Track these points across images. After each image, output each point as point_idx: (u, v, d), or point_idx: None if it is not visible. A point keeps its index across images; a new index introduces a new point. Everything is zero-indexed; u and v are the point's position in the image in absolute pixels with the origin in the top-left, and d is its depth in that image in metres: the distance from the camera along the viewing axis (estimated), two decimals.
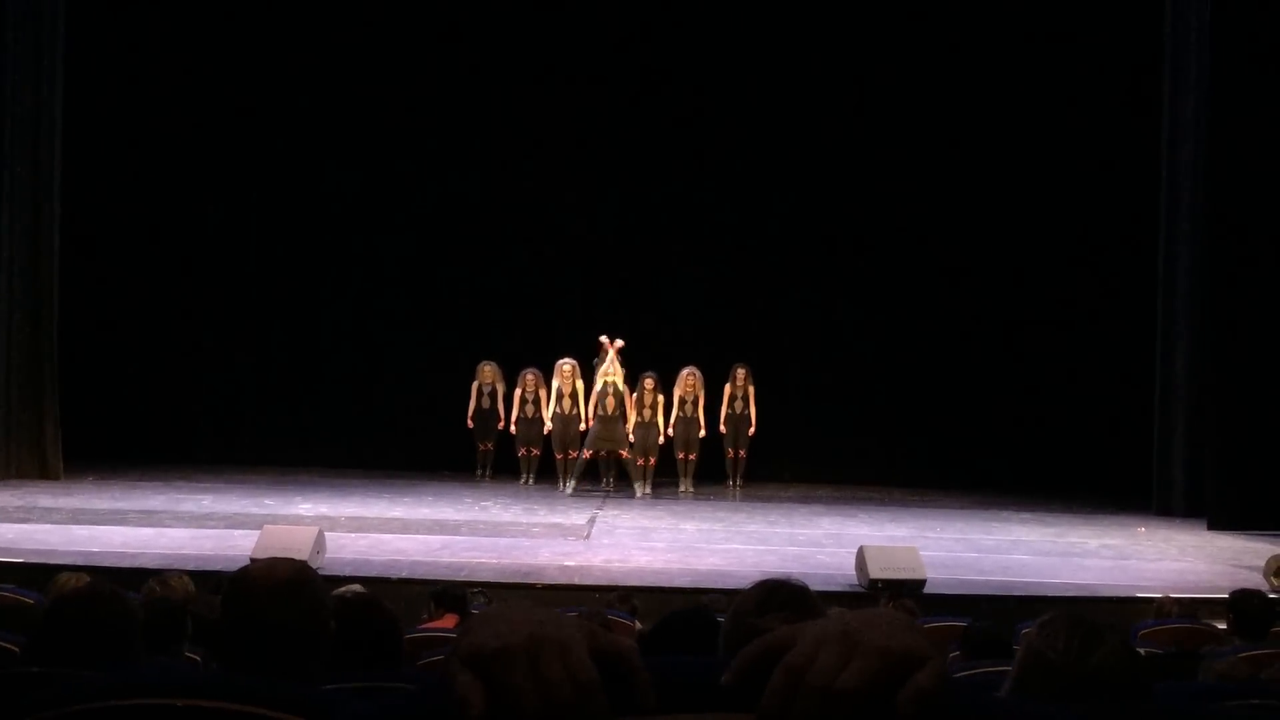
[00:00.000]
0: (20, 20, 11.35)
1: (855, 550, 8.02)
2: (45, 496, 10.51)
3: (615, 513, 10.97)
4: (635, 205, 13.60)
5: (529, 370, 12.33)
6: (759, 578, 1.96)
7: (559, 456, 12.28)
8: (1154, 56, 12.30)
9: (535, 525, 10.07)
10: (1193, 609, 6.67)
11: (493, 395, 12.61)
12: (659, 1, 13.54)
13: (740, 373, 12.46)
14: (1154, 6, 12.25)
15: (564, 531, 9.81)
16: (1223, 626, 5.61)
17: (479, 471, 12.81)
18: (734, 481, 12.71)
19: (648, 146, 13.59)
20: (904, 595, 6.64)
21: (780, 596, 1.84)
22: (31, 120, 11.45)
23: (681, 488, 12.36)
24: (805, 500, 12.21)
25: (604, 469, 12.22)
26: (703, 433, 12.35)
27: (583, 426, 12.04)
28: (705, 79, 13.54)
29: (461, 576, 7.46)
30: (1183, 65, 12.01)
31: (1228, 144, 10.96)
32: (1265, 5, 10.77)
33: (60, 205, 11.67)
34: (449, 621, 5.64)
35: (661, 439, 12.15)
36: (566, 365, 12.05)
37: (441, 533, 9.48)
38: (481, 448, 12.80)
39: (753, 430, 12.54)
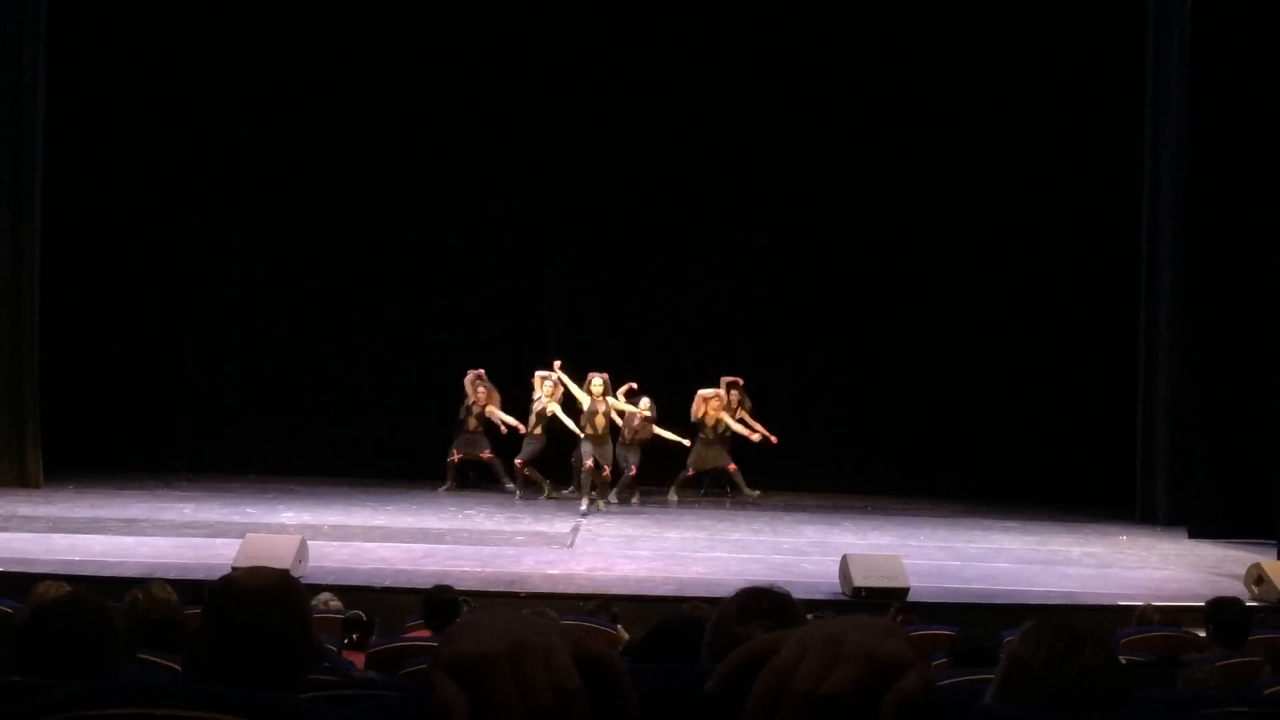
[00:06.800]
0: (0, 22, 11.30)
1: (839, 558, 8.03)
2: (25, 505, 10.43)
3: (599, 521, 10.95)
4: (618, 215, 13.61)
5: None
6: (743, 586, 1.96)
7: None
8: (1136, 73, 12.45)
9: (519, 534, 10.05)
10: (1174, 617, 6.70)
11: (471, 411, 12.43)
12: (646, 12, 13.56)
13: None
14: (1136, 26, 12.36)
15: (548, 540, 9.79)
16: (1204, 634, 5.63)
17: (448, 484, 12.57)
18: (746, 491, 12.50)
19: (634, 157, 13.60)
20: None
21: (763, 604, 1.84)
22: (11, 128, 11.39)
23: (751, 494, 12.18)
24: (789, 509, 12.21)
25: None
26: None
27: None
28: (694, 91, 13.55)
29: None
30: (1164, 79, 12.13)
31: (1208, 164, 11.07)
32: (1244, 21, 10.85)
33: (40, 213, 11.60)
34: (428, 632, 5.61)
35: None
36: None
37: (425, 541, 9.46)
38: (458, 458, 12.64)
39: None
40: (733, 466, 12.26)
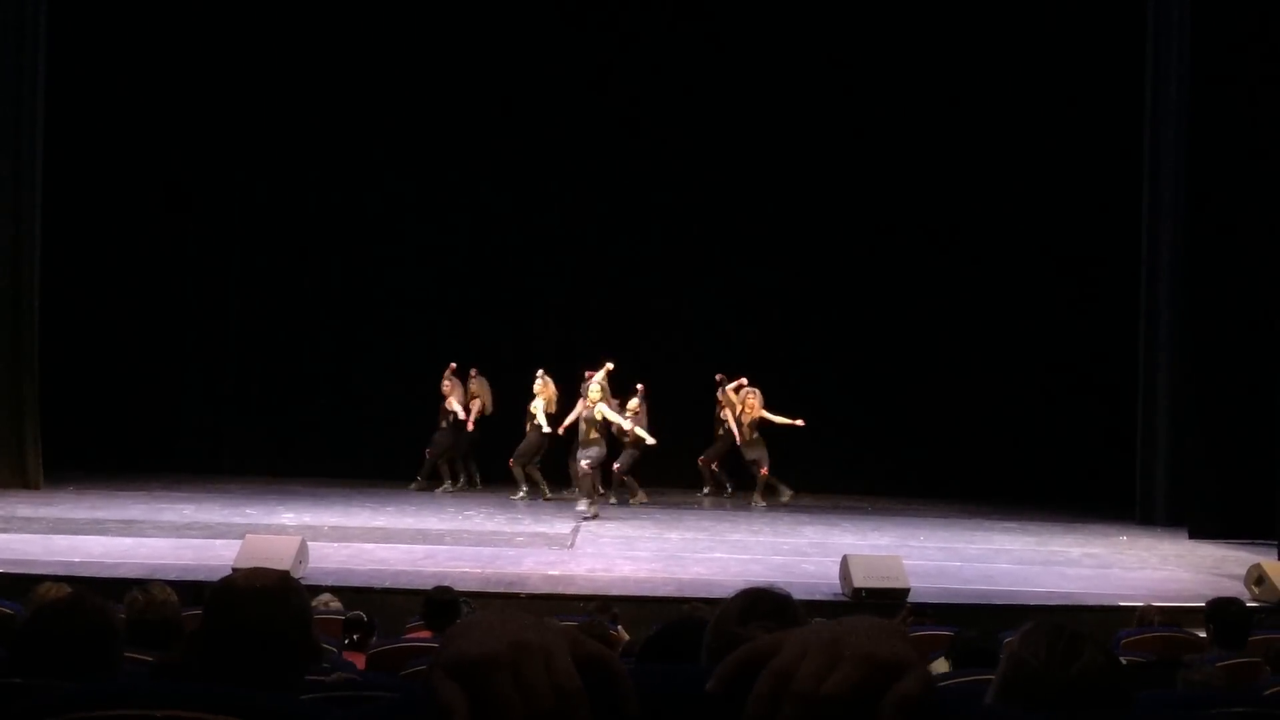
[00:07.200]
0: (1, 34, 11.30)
1: (839, 559, 8.03)
2: (25, 506, 10.43)
3: (599, 522, 10.95)
4: (622, 216, 13.60)
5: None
6: (743, 587, 1.95)
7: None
8: (1136, 73, 12.45)
9: (519, 535, 10.05)
10: (1175, 617, 6.69)
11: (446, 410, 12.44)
12: (648, 13, 13.56)
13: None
14: (1136, 26, 12.36)
15: (548, 541, 9.79)
16: (1204, 635, 5.63)
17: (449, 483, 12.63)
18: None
19: (639, 158, 13.60)
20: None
21: (763, 605, 1.84)
22: (11, 128, 11.38)
23: (759, 502, 12.31)
24: (789, 509, 12.20)
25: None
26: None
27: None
28: (698, 89, 13.56)
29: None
30: (1164, 79, 12.14)
31: (1208, 164, 11.09)
32: (1244, 23, 10.85)
33: (41, 215, 11.60)
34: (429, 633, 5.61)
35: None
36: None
37: (425, 542, 9.46)
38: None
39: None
40: (764, 470, 12.31)
